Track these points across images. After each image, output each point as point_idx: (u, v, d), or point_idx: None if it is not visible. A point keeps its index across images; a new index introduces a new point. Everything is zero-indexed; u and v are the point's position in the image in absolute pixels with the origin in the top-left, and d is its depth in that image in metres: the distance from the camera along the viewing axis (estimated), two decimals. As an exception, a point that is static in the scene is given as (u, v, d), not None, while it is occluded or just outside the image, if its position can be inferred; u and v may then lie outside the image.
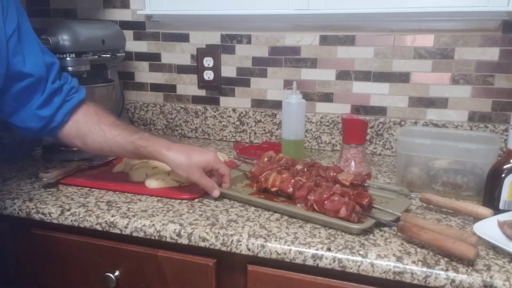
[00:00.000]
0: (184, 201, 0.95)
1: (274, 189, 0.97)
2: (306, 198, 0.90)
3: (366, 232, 0.82)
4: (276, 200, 0.95)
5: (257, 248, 0.80)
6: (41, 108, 0.90)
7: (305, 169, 1.03)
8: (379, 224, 0.83)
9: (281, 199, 0.96)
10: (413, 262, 0.73)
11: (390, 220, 0.83)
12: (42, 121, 0.91)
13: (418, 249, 0.77)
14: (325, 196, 0.87)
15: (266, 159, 1.09)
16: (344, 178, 0.97)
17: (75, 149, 1.23)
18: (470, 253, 0.70)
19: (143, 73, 1.51)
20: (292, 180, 0.95)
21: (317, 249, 0.77)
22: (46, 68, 0.90)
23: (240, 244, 0.80)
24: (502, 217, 0.83)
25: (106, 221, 0.88)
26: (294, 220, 0.87)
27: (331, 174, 0.99)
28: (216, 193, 0.94)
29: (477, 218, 0.87)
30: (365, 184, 0.97)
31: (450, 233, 0.76)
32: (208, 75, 1.43)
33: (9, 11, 0.83)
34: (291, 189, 0.94)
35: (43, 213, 0.92)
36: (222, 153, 1.21)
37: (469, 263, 0.73)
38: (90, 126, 0.94)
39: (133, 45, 1.49)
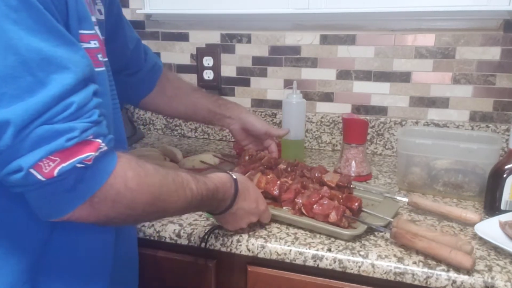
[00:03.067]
0: (184, 201, 0.95)
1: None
2: (293, 201, 0.87)
3: (366, 232, 0.82)
4: None
5: (257, 249, 0.79)
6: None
7: (289, 169, 1.00)
8: (373, 228, 0.82)
9: (266, 201, 0.91)
10: (414, 262, 0.73)
11: (381, 225, 0.80)
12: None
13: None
14: (313, 199, 0.84)
15: (247, 158, 1.06)
16: (329, 180, 0.94)
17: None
18: (467, 263, 0.69)
19: (143, 73, 1.51)
20: (278, 182, 0.92)
21: (317, 250, 0.77)
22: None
23: (240, 245, 0.80)
24: (504, 217, 0.82)
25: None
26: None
27: (316, 174, 0.97)
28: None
29: (465, 223, 0.86)
30: (351, 186, 0.95)
31: (444, 240, 0.74)
32: (208, 75, 1.42)
33: None
34: (277, 191, 0.90)
35: (41, 213, 0.91)
36: (209, 154, 1.19)
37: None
38: (175, 91, 1.06)
39: (133, 45, 1.48)
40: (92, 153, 0.51)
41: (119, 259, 0.72)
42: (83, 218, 0.54)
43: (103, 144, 0.52)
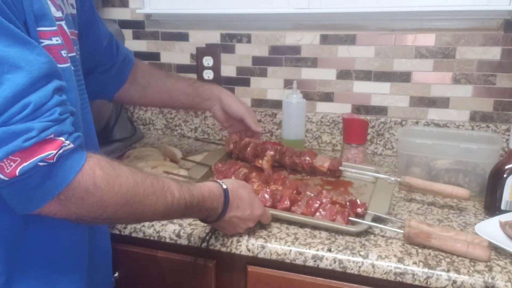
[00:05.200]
0: (184, 201, 0.95)
1: None
2: (290, 209, 0.85)
3: (367, 232, 0.82)
4: None
5: (257, 249, 0.79)
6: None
7: (277, 156, 0.98)
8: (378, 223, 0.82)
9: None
10: (414, 263, 0.73)
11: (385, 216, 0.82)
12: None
13: (419, 250, 0.76)
14: (313, 209, 0.83)
15: (231, 146, 1.03)
16: (320, 165, 0.94)
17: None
18: (485, 256, 0.72)
19: (143, 73, 1.50)
20: (268, 190, 0.87)
21: (317, 250, 0.76)
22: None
23: (240, 245, 0.80)
24: (504, 217, 0.82)
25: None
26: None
27: (307, 160, 0.95)
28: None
29: (456, 199, 0.92)
30: (341, 168, 0.96)
31: (460, 239, 0.76)
32: (208, 75, 1.42)
33: None
34: (270, 202, 0.86)
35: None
36: (209, 154, 1.18)
37: (471, 264, 0.72)
38: (148, 79, 1.03)
39: (132, 44, 1.48)
40: (53, 151, 0.51)
41: (95, 253, 0.72)
42: (53, 213, 0.55)
43: (67, 142, 0.52)
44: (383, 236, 0.81)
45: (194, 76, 1.44)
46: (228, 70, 1.41)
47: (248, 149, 1.01)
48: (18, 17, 0.53)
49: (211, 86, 1.07)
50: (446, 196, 0.92)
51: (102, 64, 0.96)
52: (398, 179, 0.93)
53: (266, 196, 0.86)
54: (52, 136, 0.51)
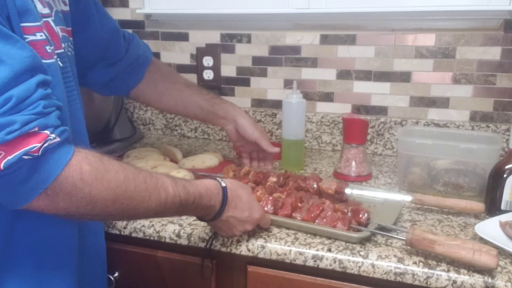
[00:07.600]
0: (184, 201, 0.95)
1: None
2: (291, 215, 0.84)
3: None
4: None
5: (257, 249, 0.79)
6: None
7: (281, 181, 0.97)
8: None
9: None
10: (414, 263, 0.73)
11: (391, 226, 0.80)
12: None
13: (420, 250, 0.76)
14: (313, 214, 0.82)
15: (231, 174, 1.00)
16: (327, 187, 0.93)
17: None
18: (492, 263, 0.68)
19: (143, 73, 1.50)
20: (270, 197, 0.86)
21: (317, 250, 0.77)
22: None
23: (240, 245, 0.80)
24: (504, 217, 0.82)
25: (105, 221, 0.87)
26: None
27: (313, 185, 0.94)
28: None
29: (471, 214, 0.89)
30: (343, 192, 0.93)
31: (467, 247, 0.72)
32: (208, 75, 1.42)
33: None
34: (271, 209, 0.85)
35: (41, 214, 0.91)
36: (217, 154, 1.20)
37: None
38: (167, 85, 1.03)
39: (133, 45, 1.48)
40: (38, 144, 0.50)
41: (86, 252, 0.72)
42: (41, 208, 0.54)
43: (52, 135, 0.52)
44: (383, 236, 0.81)
45: (194, 76, 1.44)
46: (228, 70, 1.41)
47: (249, 177, 0.98)
48: (1, 12, 0.53)
49: (227, 105, 1.07)
50: (460, 210, 0.89)
51: (106, 59, 0.95)
52: (410, 198, 0.92)
53: (268, 203, 0.85)
54: (36, 129, 0.51)
